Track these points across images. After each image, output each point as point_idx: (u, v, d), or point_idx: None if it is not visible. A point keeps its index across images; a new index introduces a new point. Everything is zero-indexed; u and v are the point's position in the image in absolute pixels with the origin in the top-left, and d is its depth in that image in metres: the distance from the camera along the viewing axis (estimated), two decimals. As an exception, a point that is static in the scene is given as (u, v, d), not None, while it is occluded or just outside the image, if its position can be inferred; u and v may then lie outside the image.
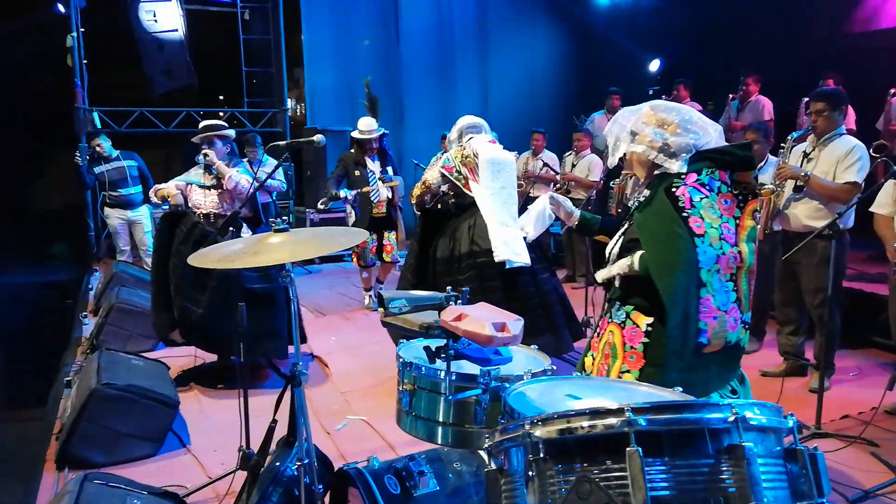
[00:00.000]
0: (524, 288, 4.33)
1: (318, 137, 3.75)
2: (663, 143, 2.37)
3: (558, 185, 7.93)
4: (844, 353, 5.11)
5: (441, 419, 2.18)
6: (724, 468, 1.36)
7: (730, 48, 9.04)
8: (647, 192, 2.47)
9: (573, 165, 7.85)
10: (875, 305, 5.32)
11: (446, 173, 4.55)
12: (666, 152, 2.37)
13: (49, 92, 8.14)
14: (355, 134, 6.34)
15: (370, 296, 6.85)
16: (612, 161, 2.54)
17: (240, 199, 4.61)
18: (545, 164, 7.90)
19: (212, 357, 4.94)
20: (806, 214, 4.38)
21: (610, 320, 2.52)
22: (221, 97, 13.32)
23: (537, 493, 1.45)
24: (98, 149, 7.32)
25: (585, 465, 1.41)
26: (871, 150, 4.27)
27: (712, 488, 1.35)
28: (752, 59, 8.25)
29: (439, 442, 2.22)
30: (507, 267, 4.28)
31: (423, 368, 2.21)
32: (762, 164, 4.97)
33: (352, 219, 6.42)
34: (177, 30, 9.88)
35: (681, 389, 1.89)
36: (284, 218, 8.82)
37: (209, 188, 4.81)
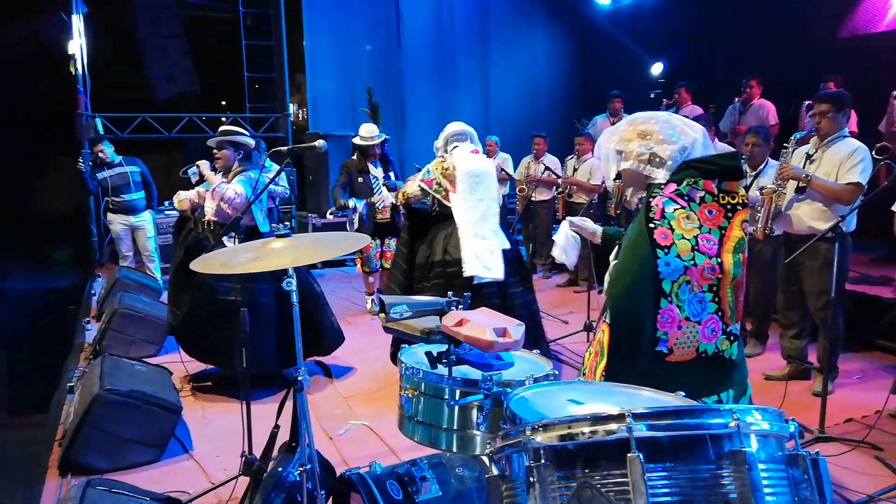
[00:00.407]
0: (488, 300, 4.24)
1: (319, 142, 3.75)
2: (650, 153, 2.37)
3: (560, 189, 7.94)
4: (848, 356, 5.10)
5: (443, 424, 2.17)
6: (726, 474, 1.35)
7: (731, 51, 9.04)
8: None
9: (575, 169, 7.85)
10: (879, 308, 5.32)
11: (425, 187, 4.57)
12: (654, 163, 2.37)
13: (52, 98, 8.16)
14: (357, 140, 6.34)
15: (372, 300, 6.85)
16: (610, 184, 2.55)
17: (235, 210, 4.55)
18: (547, 168, 7.91)
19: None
20: (809, 216, 4.37)
21: (605, 321, 2.53)
22: (224, 102, 13.37)
23: (539, 499, 1.44)
24: (101, 154, 7.34)
25: (587, 471, 1.41)
26: (873, 153, 4.27)
27: (714, 494, 1.35)
28: (754, 62, 8.26)
29: (441, 447, 2.22)
30: (475, 282, 4.31)
31: (425, 374, 2.21)
32: (762, 166, 4.97)
33: (354, 224, 6.42)
34: (179, 35, 9.91)
35: (683, 394, 1.89)
36: (287, 223, 8.83)
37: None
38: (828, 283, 4.15)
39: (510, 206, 9.52)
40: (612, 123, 8.46)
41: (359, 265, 6.66)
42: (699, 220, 2.28)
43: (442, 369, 2.12)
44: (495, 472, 1.62)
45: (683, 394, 1.89)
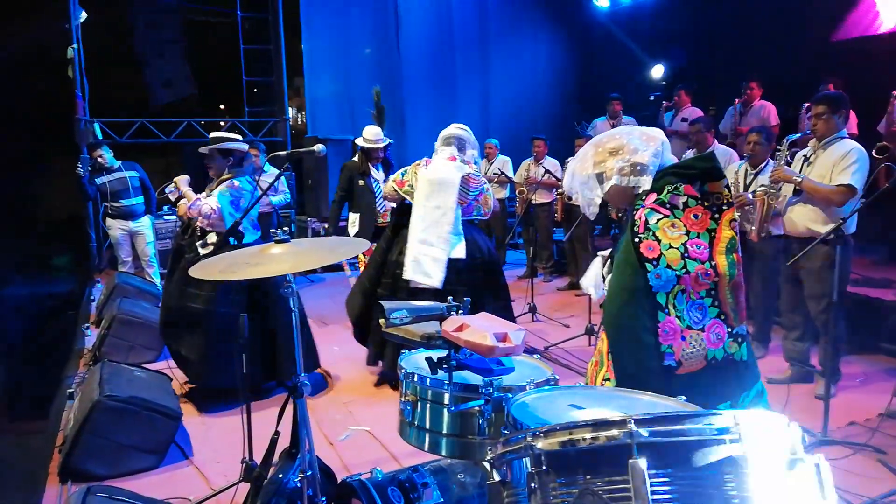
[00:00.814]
0: None
1: (318, 146, 3.75)
2: (629, 164, 2.35)
3: (560, 192, 7.93)
4: (851, 359, 5.09)
5: (444, 430, 2.17)
6: (728, 479, 1.35)
7: (730, 53, 9.05)
8: None
9: (575, 172, 7.84)
10: (881, 311, 5.30)
11: (397, 188, 4.70)
12: (636, 172, 2.35)
13: (50, 103, 8.15)
14: (360, 142, 6.31)
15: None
16: (593, 213, 2.52)
17: (212, 225, 4.50)
18: (547, 171, 7.90)
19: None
20: (806, 218, 4.36)
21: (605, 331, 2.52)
22: (222, 107, 13.37)
23: (540, 506, 1.44)
24: (100, 160, 7.33)
25: (588, 476, 1.40)
26: (873, 153, 4.26)
27: (716, 499, 1.34)
28: (753, 64, 8.26)
29: (442, 453, 2.21)
30: (412, 286, 4.45)
31: (425, 379, 2.20)
32: (763, 165, 4.98)
33: (355, 228, 6.40)
34: (177, 40, 9.92)
35: (685, 398, 1.88)
36: (286, 228, 8.83)
37: None
38: (827, 287, 4.15)
39: (510, 210, 9.52)
40: (612, 125, 8.48)
41: (362, 268, 6.64)
42: (685, 226, 2.26)
43: (442, 374, 2.11)
44: (497, 478, 1.62)
45: (685, 398, 1.88)
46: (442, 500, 2.37)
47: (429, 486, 2.38)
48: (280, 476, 2.60)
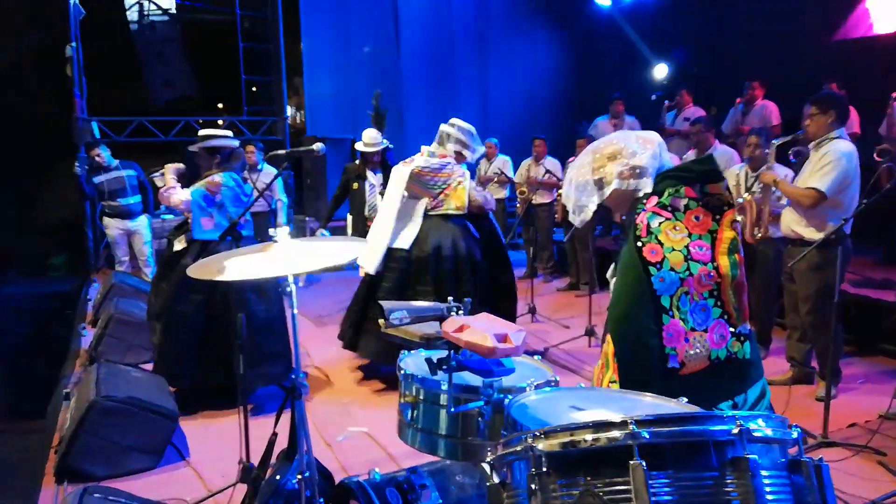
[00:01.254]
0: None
1: (317, 146, 3.73)
2: (629, 168, 2.35)
3: (561, 191, 7.91)
4: (852, 360, 5.08)
5: (443, 431, 2.16)
6: (729, 480, 1.35)
7: (732, 54, 9.04)
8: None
9: (575, 172, 7.82)
10: (881, 312, 5.29)
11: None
12: (636, 175, 2.35)
13: (48, 102, 8.14)
14: (359, 146, 6.31)
15: (371, 305, 6.84)
16: (583, 220, 2.50)
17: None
18: (547, 171, 7.89)
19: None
20: (793, 220, 4.40)
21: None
22: (221, 106, 13.36)
23: (541, 508, 1.43)
24: (97, 159, 7.31)
25: (589, 478, 1.40)
26: (874, 156, 4.25)
27: (716, 501, 1.34)
28: (756, 64, 8.26)
29: (441, 454, 2.20)
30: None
31: (425, 380, 2.19)
32: (763, 167, 4.97)
33: (349, 230, 6.42)
34: (176, 39, 9.90)
35: (686, 400, 1.87)
36: (291, 231, 8.81)
37: None
38: (814, 289, 4.23)
39: (510, 210, 9.51)
40: (614, 125, 8.46)
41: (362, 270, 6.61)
42: (687, 228, 2.26)
43: (442, 375, 2.09)
44: (496, 479, 1.61)
45: (686, 399, 1.87)
46: (440, 501, 2.36)
47: (427, 488, 2.37)
48: (278, 477, 2.59)
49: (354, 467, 3.55)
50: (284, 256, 2.35)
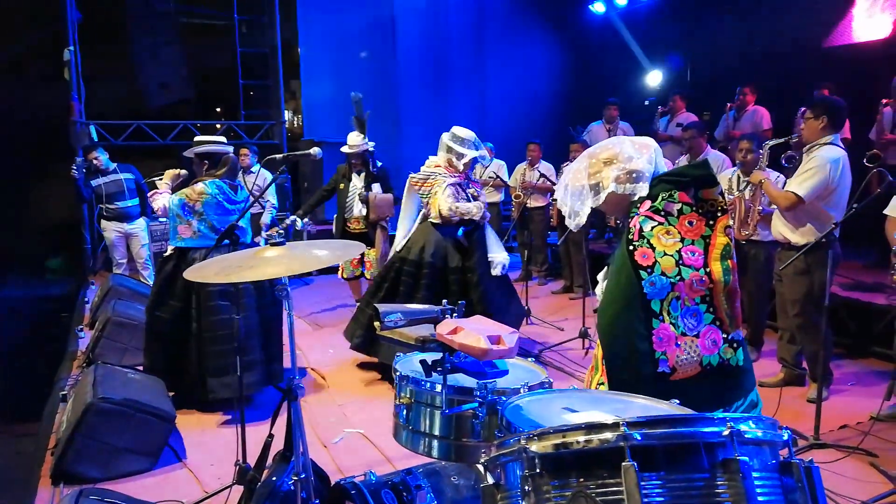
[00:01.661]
0: None
1: (315, 150, 3.76)
2: (625, 172, 2.36)
3: (555, 196, 7.93)
4: (843, 362, 5.12)
5: (438, 433, 2.17)
6: (720, 482, 1.36)
7: (725, 59, 9.07)
8: None
9: (570, 176, 7.84)
10: (872, 314, 5.33)
11: None
12: (632, 179, 2.36)
13: (46, 105, 8.15)
14: (344, 149, 6.40)
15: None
16: (577, 225, 2.51)
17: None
18: (542, 175, 7.92)
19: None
20: (780, 222, 4.48)
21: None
22: (218, 109, 13.37)
23: (534, 508, 1.44)
24: (95, 162, 7.31)
25: (581, 479, 1.41)
26: (864, 161, 4.28)
27: (707, 502, 1.35)
28: (748, 69, 8.29)
29: (436, 456, 2.21)
30: None
31: (420, 382, 2.20)
32: (756, 169, 5.01)
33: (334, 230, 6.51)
34: (173, 42, 9.91)
35: (678, 402, 1.89)
36: (281, 231, 8.80)
37: None
38: (801, 293, 4.29)
39: (505, 213, 9.53)
40: (609, 131, 8.50)
41: (340, 272, 6.62)
42: (680, 233, 2.26)
43: (437, 377, 2.11)
44: (490, 480, 1.62)
45: (678, 401, 1.89)
46: (435, 502, 2.38)
47: (422, 489, 2.39)
48: (274, 479, 2.60)
49: (350, 469, 3.56)
50: (277, 259, 2.37)
